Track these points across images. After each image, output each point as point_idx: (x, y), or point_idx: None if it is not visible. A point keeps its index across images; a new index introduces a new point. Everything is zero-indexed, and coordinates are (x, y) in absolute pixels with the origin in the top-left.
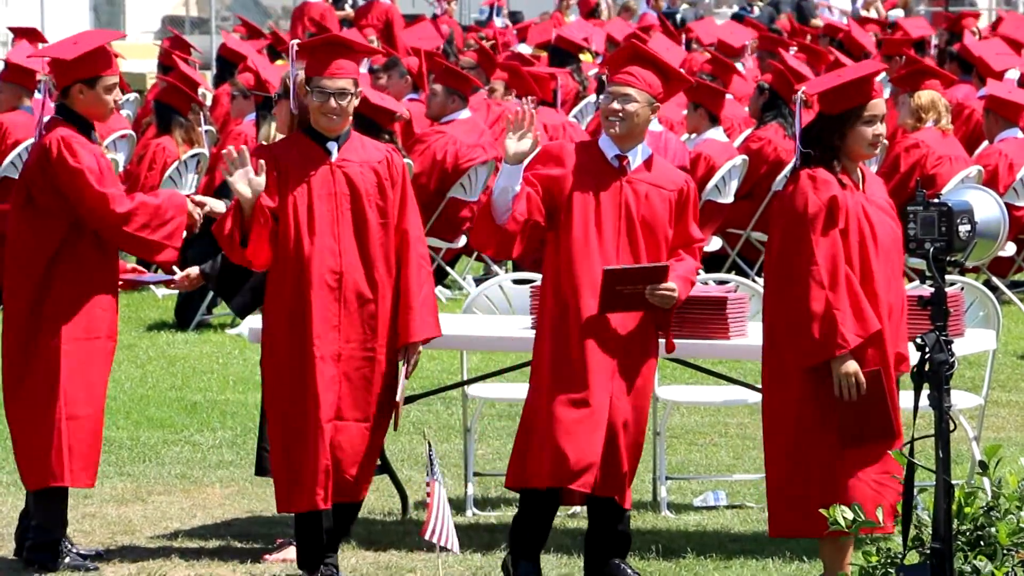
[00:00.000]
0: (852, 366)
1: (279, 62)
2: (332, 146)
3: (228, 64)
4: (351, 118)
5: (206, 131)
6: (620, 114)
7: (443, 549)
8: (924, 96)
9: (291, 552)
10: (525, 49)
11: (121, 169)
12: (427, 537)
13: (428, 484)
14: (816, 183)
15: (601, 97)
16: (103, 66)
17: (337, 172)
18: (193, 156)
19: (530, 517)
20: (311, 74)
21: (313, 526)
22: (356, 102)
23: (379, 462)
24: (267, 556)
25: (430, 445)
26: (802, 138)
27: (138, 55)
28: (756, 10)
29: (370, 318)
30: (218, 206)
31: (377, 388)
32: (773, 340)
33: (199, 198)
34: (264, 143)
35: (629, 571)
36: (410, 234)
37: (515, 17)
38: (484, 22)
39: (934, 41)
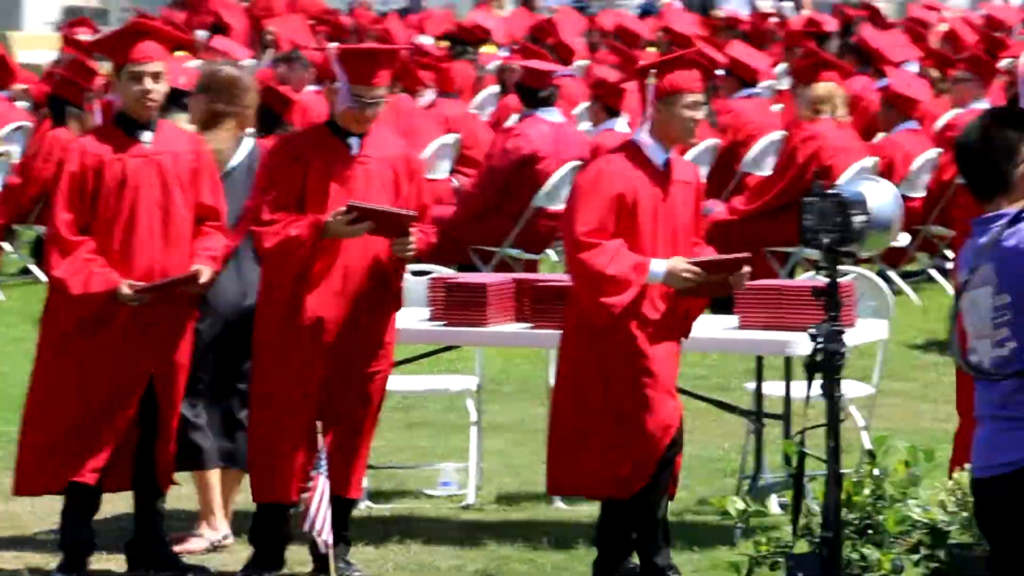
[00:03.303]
0: None
1: (178, 53)
2: (354, 141)
3: None
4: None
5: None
6: (698, 123)
7: (321, 543)
8: (821, 88)
9: (193, 543)
10: (425, 40)
11: (16, 160)
12: (305, 529)
13: (313, 478)
14: None
15: (663, 103)
16: None
17: (357, 167)
18: None
19: (622, 524)
20: (350, 81)
21: (280, 521)
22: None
23: None
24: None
25: (320, 439)
26: None
27: (38, 46)
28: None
29: (372, 314)
30: None
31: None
32: None
33: None
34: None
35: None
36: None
37: (418, 7)
38: (385, 13)
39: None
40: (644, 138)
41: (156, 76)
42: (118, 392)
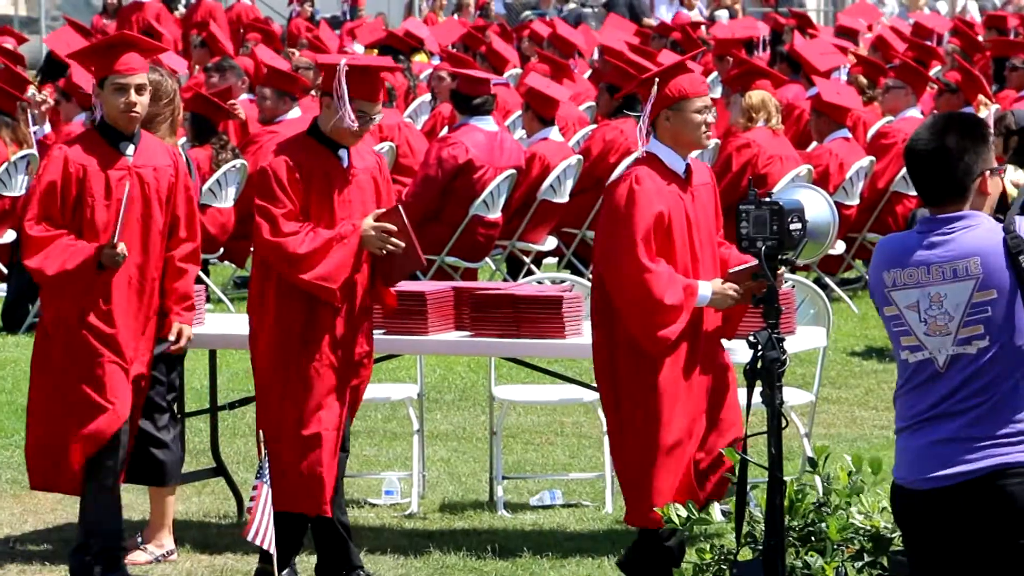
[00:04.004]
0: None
1: None
2: (343, 153)
3: (58, 65)
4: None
5: (35, 131)
6: (711, 126)
7: (264, 552)
8: (755, 96)
9: (137, 555)
10: (357, 48)
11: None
12: (249, 538)
13: (256, 487)
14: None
15: (672, 110)
16: None
17: (350, 179)
18: (23, 157)
19: (661, 554)
20: (351, 95)
21: (301, 531)
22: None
23: (214, 464)
24: None
25: (264, 448)
26: None
27: None
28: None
29: (364, 327)
30: None
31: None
32: None
33: None
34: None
35: None
36: None
37: (355, 15)
38: (317, 21)
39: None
40: (659, 148)
41: (140, 88)
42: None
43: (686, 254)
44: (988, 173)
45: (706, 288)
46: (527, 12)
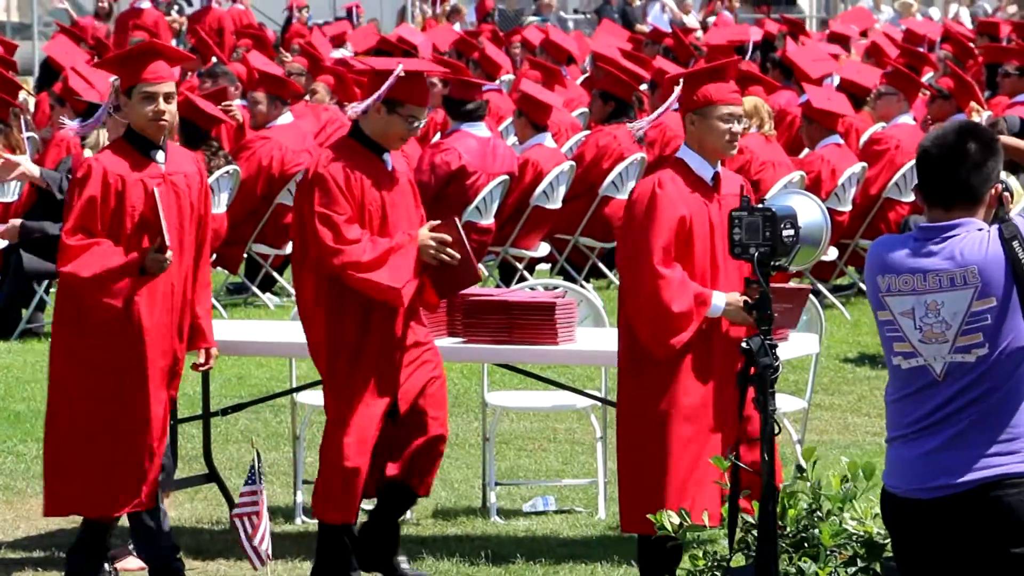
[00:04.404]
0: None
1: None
2: (387, 157)
3: (51, 71)
4: None
5: (28, 138)
6: (737, 135)
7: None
8: (747, 102)
9: (129, 561)
10: (347, 54)
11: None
12: (255, 543)
13: (257, 493)
14: None
15: (697, 115)
16: None
17: (395, 183)
18: None
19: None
20: (403, 99)
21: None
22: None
23: (207, 470)
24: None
25: (258, 454)
26: None
27: None
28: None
29: (418, 328)
30: (33, 170)
31: None
32: None
33: (13, 158)
34: (91, 150)
35: None
36: None
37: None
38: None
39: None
40: (688, 153)
41: (168, 96)
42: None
43: (705, 261)
44: (999, 185)
45: (720, 299)
46: (530, 18)
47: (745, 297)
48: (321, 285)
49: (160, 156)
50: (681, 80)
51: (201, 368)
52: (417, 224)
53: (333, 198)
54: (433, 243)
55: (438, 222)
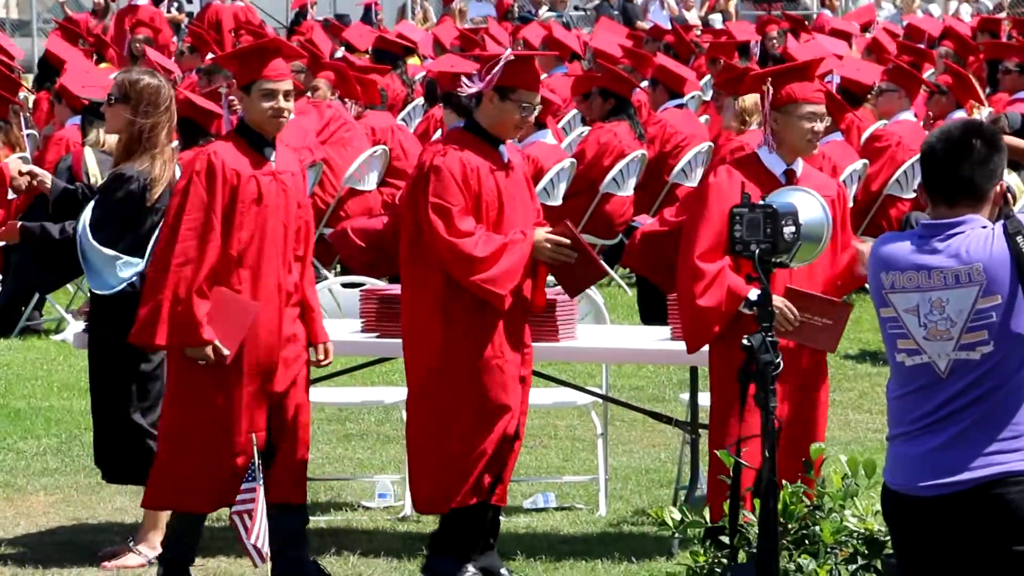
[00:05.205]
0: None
1: (103, 66)
2: (502, 148)
3: (50, 68)
4: None
5: (28, 135)
6: (819, 135)
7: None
8: (748, 99)
9: (130, 559)
10: (349, 50)
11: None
12: (252, 541)
13: (255, 491)
14: None
15: (780, 112)
16: None
17: (510, 174)
18: (16, 160)
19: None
20: (516, 84)
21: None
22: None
23: None
24: (106, 564)
25: (257, 451)
26: None
27: None
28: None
29: (525, 326)
30: (47, 177)
31: None
32: None
33: (27, 168)
34: (91, 148)
35: None
36: None
37: (342, 19)
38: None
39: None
40: (764, 149)
41: (287, 94)
42: None
43: None
44: (1003, 183)
45: (755, 296)
46: (546, 12)
47: (786, 301)
48: (437, 288)
49: (272, 154)
50: (768, 78)
51: (323, 364)
52: (533, 216)
53: (447, 188)
54: (549, 244)
55: (551, 228)
